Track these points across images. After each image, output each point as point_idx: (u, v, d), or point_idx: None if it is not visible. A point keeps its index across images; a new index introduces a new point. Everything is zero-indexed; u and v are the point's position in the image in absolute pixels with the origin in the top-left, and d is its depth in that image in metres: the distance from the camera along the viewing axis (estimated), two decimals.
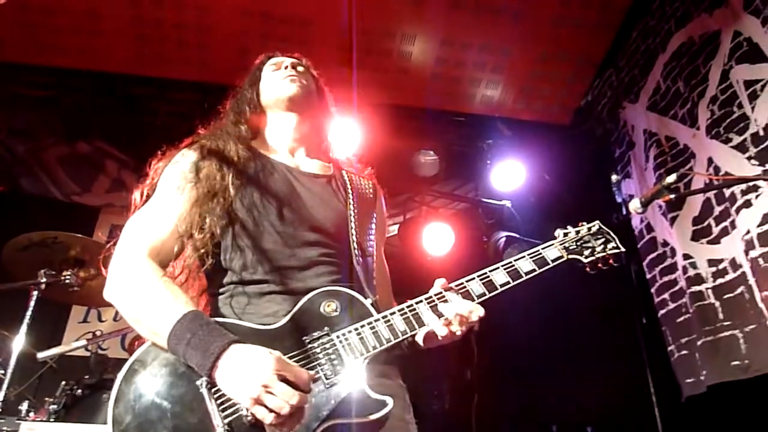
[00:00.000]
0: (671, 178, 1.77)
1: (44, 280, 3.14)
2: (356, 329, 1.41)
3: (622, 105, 4.69)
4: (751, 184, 3.14)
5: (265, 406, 1.20)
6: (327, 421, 1.29)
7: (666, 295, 3.99)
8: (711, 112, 3.62)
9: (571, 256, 1.66)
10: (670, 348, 3.92)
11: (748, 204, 3.24)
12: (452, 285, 1.51)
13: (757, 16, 3.29)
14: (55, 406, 2.91)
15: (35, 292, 3.13)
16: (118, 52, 4.56)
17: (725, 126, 3.48)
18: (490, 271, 1.55)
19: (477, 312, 1.45)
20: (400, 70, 4.69)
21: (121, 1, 4.26)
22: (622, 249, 1.70)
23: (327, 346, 1.38)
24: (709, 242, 3.60)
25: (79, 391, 3.02)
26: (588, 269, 1.67)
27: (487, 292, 1.52)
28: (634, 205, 1.85)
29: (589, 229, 1.72)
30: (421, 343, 1.58)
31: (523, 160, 4.95)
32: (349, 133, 4.20)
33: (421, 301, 1.49)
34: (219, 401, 1.27)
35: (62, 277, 3.21)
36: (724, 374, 3.36)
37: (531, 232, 4.57)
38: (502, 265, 1.57)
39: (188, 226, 1.49)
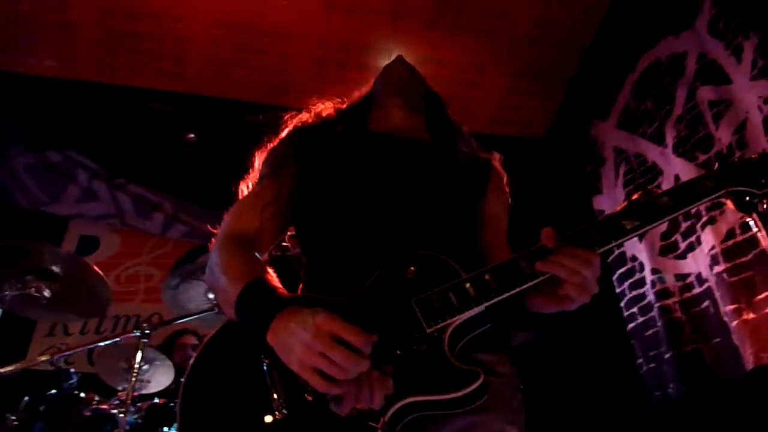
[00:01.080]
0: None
1: (8, 292, 3.06)
2: (439, 292, 1.19)
3: (593, 122, 4.80)
4: (715, 201, 3.23)
5: (318, 372, 1.05)
6: (403, 399, 1.09)
7: (635, 309, 4.07)
8: (677, 131, 3.73)
9: (735, 188, 1.31)
10: (638, 361, 3.99)
11: (712, 220, 3.34)
12: (566, 234, 1.22)
13: (720, 39, 3.41)
14: (17, 423, 2.83)
15: None
16: (92, 61, 4.51)
17: (691, 144, 3.59)
18: (618, 215, 1.24)
19: (590, 265, 1.16)
20: None
21: (95, 11, 4.22)
22: None
23: (405, 313, 1.18)
24: (676, 257, 3.69)
25: (43, 407, 2.95)
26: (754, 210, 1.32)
27: (614, 239, 1.22)
28: None
29: (761, 155, 1.34)
30: (531, 309, 1.29)
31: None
32: None
33: (522, 256, 1.21)
34: (279, 377, 1.15)
35: (28, 290, 3.13)
36: (691, 387, 3.43)
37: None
38: (629, 207, 1.25)
39: (276, 209, 1.49)
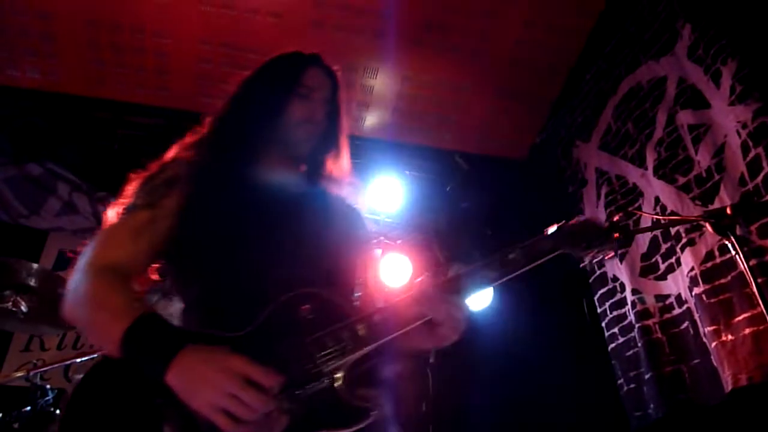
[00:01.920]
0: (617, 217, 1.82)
1: None
2: (333, 332, 1.26)
3: (575, 144, 4.86)
4: (694, 223, 3.28)
5: (227, 413, 1.07)
6: None
7: (615, 329, 4.09)
8: (658, 154, 3.79)
9: (564, 249, 1.52)
10: (619, 381, 4.00)
11: (692, 242, 3.38)
12: (436, 280, 1.40)
13: (699, 65, 3.49)
14: None
15: None
16: (73, 74, 4.48)
17: (671, 167, 3.64)
18: (481, 266, 1.43)
19: (460, 308, 1.34)
20: (362, 103, 4.75)
21: (79, 23, 4.20)
22: (614, 245, 1.59)
23: (299, 351, 1.23)
24: (656, 278, 3.72)
25: (17, 423, 2.88)
26: (582, 262, 1.59)
27: (476, 286, 1.41)
28: None
29: (582, 222, 1.59)
30: (412, 346, 1.44)
31: (484, 195, 5.08)
32: None
33: (404, 300, 1.36)
34: (172, 416, 1.13)
35: (5, 304, 3.08)
36: (670, 408, 3.45)
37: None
38: (493, 259, 1.44)
39: (150, 241, 1.44)
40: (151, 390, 1.16)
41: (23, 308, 3.13)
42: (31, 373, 3.21)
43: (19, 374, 3.13)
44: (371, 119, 4.87)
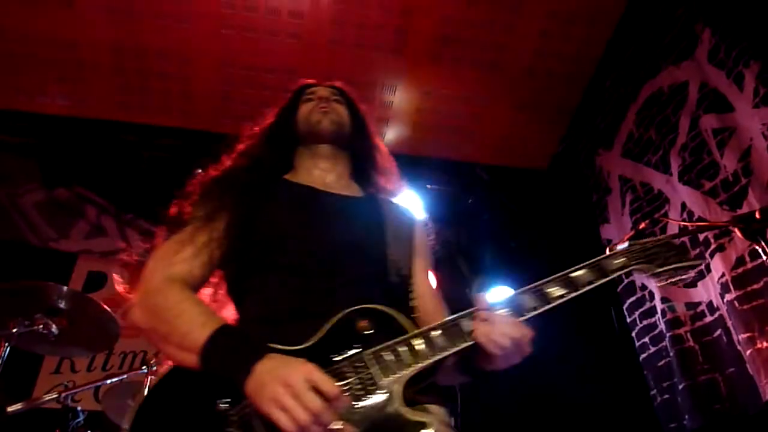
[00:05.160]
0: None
1: (16, 330, 3.05)
2: (391, 347, 1.26)
3: (598, 152, 4.82)
4: (723, 228, 3.22)
5: (286, 412, 1.07)
6: None
7: (646, 339, 4.02)
8: (682, 159, 3.74)
9: (636, 266, 1.48)
10: (652, 392, 3.92)
11: (721, 248, 3.32)
12: (497, 302, 1.36)
13: (721, 68, 3.44)
14: None
15: (6, 344, 3.03)
16: (100, 100, 4.60)
17: (696, 172, 3.59)
18: (543, 284, 1.39)
19: (522, 331, 1.30)
20: (382, 119, 4.78)
21: (105, 50, 4.32)
22: (698, 262, 1.54)
23: (358, 364, 1.23)
24: (686, 285, 3.65)
25: None
26: (656, 281, 1.53)
27: (538, 306, 1.36)
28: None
29: (657, 241, 1.55)
30: (477, 365, 1.40)
31: (506, 207, 5.04)
32: None
33: (464, 316, 1.33)
34: (237, 421, 1.15)
35: (36, 327, 3.12)
36: (707, 418, 3.36)
37: (511, 278, 4.60)
38: (557, 277, 1.41)
39: (209, 256, 1.48)
40: (216, 396, 1.19)
41: (54, 331, 3.16)
42: (63, 395, 3.25)
43: (51, 396, 3.16)
44: (391, 134, 4.90)
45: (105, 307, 3.18)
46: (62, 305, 3.23)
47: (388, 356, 1.24)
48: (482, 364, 1.36)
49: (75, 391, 3.65)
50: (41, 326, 3.13)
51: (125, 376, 3.24)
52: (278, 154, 1.77)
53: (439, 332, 1.29)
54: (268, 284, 1.47)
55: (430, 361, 1.25)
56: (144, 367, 3.08)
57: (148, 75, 4.47)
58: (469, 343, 1.29)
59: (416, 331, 1.30)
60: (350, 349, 1.25)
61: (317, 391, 1.10)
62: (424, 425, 1.16)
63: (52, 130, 4.71)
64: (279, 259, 1.47)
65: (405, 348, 1.26)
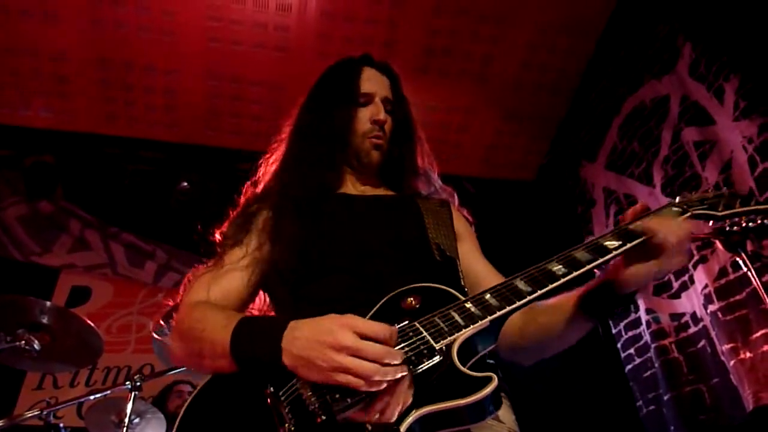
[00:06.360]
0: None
1: None
2: (442, 313, 1.20)
3: (582, 164, 4.87)
4: (705, 240, 3.26)
5: (352, 372, 1.00)
6: (419, 408, 1.07)
7: (632, 350, 4.04)
8: (665, 171, 3.79)
9: (698, 211, 1.40)
10: (638, 403, 3.94)
11: (704, 259, 3.35)
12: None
13: (702, 82, 3.50)
14: None
15: None
16: (84, 113, 4.57)
17: (679, 184, 3.64)
18: (600, 238, 1.35)
19: (688, 228, 1.25)
20: None
21: (89, 63, 4.30)
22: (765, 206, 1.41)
23: (410, 332, 1.16)
24: (669, 297, 3.69)
25: None
26: (727, 227, 1.48)
27: (598, 257, 1.32)
28: None
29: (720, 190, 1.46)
30: (617, 289, 1.31)
31: (492, 219, 5.06)
32: None
33: (516, 276, 1.27)
34: (285, 404, 1.10)
35: (18, 343, 3.08)
36: (692, 429, 3.38)
37: None
38: (612, 231, 1.37)
39: (248, 277, 1.46)
40: (263, 382, 1.14)
41: (36, 346, 3.12)
42: (45, 412, 3.19)
43: (33, 413, 3.11)
44: None
45: (88, 322, 3.15)
46: (45, 320, 3.19)
47: (441, 321, 1.18)
48: (624, 287, 1.28)
49: (57, 407, 3.58)
50: (23, 342, 3.09)
51: (109, 391, 3.19)
52: (320, 168, 1.66)
53: (491, 293, 1.23)
54: (310, 300, 1.44)
55: (485, 321, 1.18)
56: (128, 383, 3.04)
57: (132, 88, 4.45)
58: (639, 240, 1.26)
59: (467, 297, 1.25)
60: (400, 322, 1.19)
61: (366, 338, 1.04)
62: (489, 379, 1.09)
63: (35, 143, 4.67)
64: (329, 263, 1.45)
65: (458, 312, 1.20)
